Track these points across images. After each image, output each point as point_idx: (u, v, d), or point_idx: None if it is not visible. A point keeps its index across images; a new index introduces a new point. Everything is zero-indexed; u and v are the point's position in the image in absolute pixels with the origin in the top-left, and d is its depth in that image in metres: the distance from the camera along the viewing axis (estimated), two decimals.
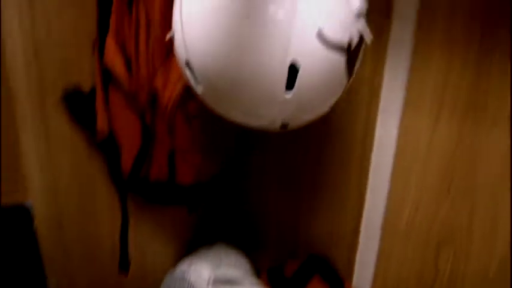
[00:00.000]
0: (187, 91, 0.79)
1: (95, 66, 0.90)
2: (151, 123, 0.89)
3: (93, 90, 0.91)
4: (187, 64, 0.62)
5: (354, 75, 0.64)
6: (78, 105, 0.94)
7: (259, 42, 0.54)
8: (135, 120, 0.90)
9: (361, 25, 0.59)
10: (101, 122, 0.92)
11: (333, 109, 0.68)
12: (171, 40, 0.65)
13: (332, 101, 0.67)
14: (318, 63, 0.57)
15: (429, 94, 0.83)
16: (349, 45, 0.58)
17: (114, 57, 0.86)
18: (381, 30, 0.82)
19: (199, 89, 0.64)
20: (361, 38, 0.60)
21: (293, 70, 0.56)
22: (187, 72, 0.63)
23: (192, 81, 0.64)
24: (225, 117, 0.67)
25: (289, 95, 0.59)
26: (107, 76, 0.88)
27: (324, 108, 0.68)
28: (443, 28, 0.78)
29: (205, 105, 0.67)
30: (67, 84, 0.91)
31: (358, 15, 0.58)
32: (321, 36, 0.55)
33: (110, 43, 0.86)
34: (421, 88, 0.83)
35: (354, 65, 0.62)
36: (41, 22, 0.86)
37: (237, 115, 0.66)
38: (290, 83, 0.58)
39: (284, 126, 0.66)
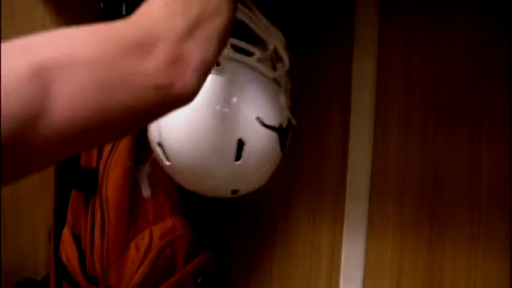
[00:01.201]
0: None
1: (50, 257, 0.92)
2: None
3: (46, 278, 0.88)
4: (160, 145, 0.79)
5: (286, 149, 0.80)
6: None
7: (215, 127, 0.74)
8: None
9: (288, 114, 0.80)
10: None
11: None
12: None
13: (271, 170, 0.81)
14: (258, 139, 0.76)
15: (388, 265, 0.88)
16: (281, 125, 0.78)
17: (69, 249, 0.92)
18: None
19: (167, 163, 0.78)
20: (289, 122, 0.80)
21: (240, 144, 0.75)
22: (159, 150, 0.78)
23: (162, 157, 0.78)
24: (187, 187, 0.80)
25: (238, 163, 0.75)
26: (60, 266, 0.90)
27: (265, 177, 0.82)
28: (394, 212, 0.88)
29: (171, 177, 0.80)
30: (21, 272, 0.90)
31: (285, 108, 0.80)
32: (259, 121, 0.75)
33: (66, 234, 0.93)
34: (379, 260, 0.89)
35: (285, 141, 0.79)
36: None
37: (198, 184, 0.79)
38: (238, 155, 0.75)
39: (235, 191, 0.80)
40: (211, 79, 0.73)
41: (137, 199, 0.91)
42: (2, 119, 0.33)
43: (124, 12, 0.94)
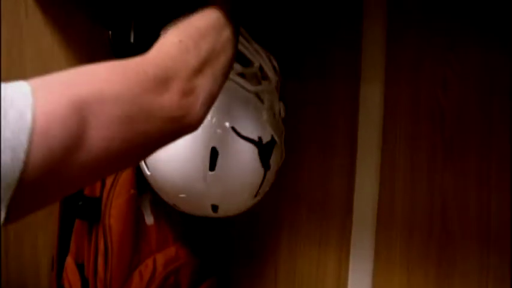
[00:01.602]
0: None
1: (52, 284, 0.90)
2: None
3: None
4: None
5: (270, 169, 0.79)
6: None
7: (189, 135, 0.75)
8: None
9: (271, 131, 0.79)
10: None
11: None
12: None
13: (252, 187, 0.80)
14: (233, 149, 0.76)
15: None
16: (260, 139, 0.77)
17: (72, 277, 0.91)
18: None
19: (148, 173, 0.81)
20: (272, 138, 0.79)
21: (214, 153, 0.75)
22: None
23: (144, 167, 0.81)
24: (168, 201, 0.84)
25: (212, 173, 0.75)
26: None
27: (247, 194, 0.80)
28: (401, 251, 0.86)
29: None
30: None
31: (268, 124, 0.79)
32: (234, 131, 0.75)
33: (69, 262, 0.91)
34: None
35: (268, 157, 0.78)
36: None
37: (178, 199, 0.81)
38: (212, 164, 0.75)
39: (215, 208, 0.80)
40: None
41: (140, 227, 0.90)
42: (46, 150, 0.36)
43: (132, 40, 0.95)
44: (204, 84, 0.52)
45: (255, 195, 0.82)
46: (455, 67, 0.81)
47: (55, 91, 0.39)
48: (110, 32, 0.93)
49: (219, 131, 0.75)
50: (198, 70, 0.52)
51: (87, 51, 0.90)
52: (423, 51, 0.83)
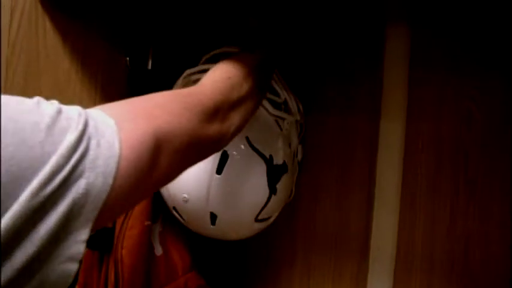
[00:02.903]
0: None
1: None
2: None
3: None
4: None
5: (276, 194, 0.78)
6: None
7: None
8: None
9: (285, 158, 0.79)
10: None
11: None
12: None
13: (254, 205, 0.78)
14: (243, 158, 0.75)
15: None
16: (271, 157, 0.77)
17: None
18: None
19: None
20: (284, 164, 0.79)
21: (224, 157, 0.75)
22: None
23: None
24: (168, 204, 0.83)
25: (218, 177, 0.75)
26: None
27: (246, 211, 0.78)
28: None
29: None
30: None
31: (282, 150, 0.79)
32: (248, 141, 0.75)
33: None
34: None
35: (275, 181, 0.77)
36: None
37: (179, 198, 0.79)
38: (220, 168, 0.75)
39: (213, 216, 0.78)
40: None
41: (150, 258, 0.88)
42: (129, 176, 0.41)
43: (149, 67, 0.94)
44: (236, 117, 0.60)
45: (256, 218, 0.80)
46: (480, 103, 0.80)
47: (139, 124, 0.44)
48: (128, 58, 0.93)
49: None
50: (235, 105, 0.60)
51: (104, 78, 0.89)
52: (446, 87, 0.83)
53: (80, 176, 0.37)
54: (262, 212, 0.79)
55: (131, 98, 0.49)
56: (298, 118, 0.84)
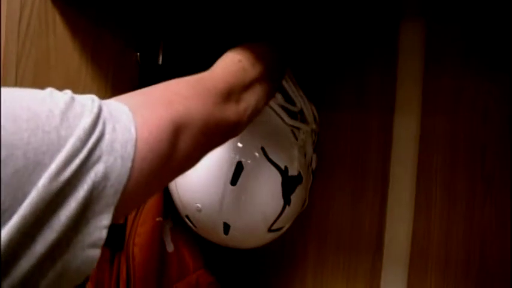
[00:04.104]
0: None
1: None
2: None
3: None
4: None
5: (290, 205, 0.77)
6: None
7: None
8: None
9: (299, 169, 0.78)
10: None
11: None
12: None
13: (267, 216, 0.77)
14: (258, 169, 0.75)
15: None
16: (286, 168, 0.75)
17: None
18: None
19: None
20: (299, 175, 0.77)
21: (239, 168, 0.74)
22: None
23: None
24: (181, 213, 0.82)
25: (233, 188, 0.74)
26: None
27: (260, 221, 0.77)
28: None
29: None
30: None
31: (297, 161, 0.78)
32: (263, 151, 0.75)
33: None
34: None
35: (290, 191, 0.76)
36: None
37: (192, 208, 0.78)
38: (235, 179, 0.74)
39: (226, 227, 0.77)
40: None
41: (162, 254, 0.88)
42: (148, 160, 0.41)
43: (160, 62, 0.93)
44: (250, 98, 0.60)
45: (269, 228, 0.79)
46: (497, 97, 0.78)
47: (156, 110, 0.44)
48: (138, 53, 0.92)
49: (248, 147, 0.75)
50: (249, 86, 0.60)
51: (114, 73, 0.88)
52: (462, 80, 0.81)
53: (98, 159, 0.37)
54: (276, 223, 0.79)
55: (145, 88, 0.49)
56: (314, 127, 0.83)
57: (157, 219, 0.84)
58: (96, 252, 0.38)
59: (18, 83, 0.71)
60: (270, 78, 0.67)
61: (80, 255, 0.36)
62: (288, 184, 0.77)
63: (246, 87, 0.60)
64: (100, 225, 0.37)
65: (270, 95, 0.68)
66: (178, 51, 0.96)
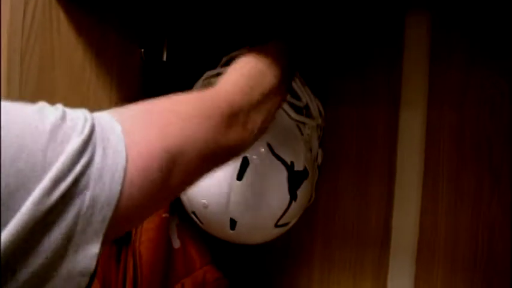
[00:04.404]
0: None
1: None
2: None
3: None
4: None
5: (297, 200, 0.76)
6: None
7: None
8: None
9: (305, 164, 0.78)
10: None
11: None
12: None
13: (274, 211, 0.77)
14: (264, 164, 0.74)
15: None
16: (292, 164, 0.75)
17: None
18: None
19: None
20: (305, 169, 0.77)
21: (245, 163, 0.74)
22: None
23: None
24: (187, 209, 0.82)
25: (239, 183, 0.74)
26: None
27: (266, 217, 0.77)
28: None
29: None
30: None
31: (303, 155, 0.78)
32: (269, 147, 0.74)
33: (96, 287, 0.89)
34: None
35: (296, 187, 0.76)
36: None
37: (198, 204, 0.78)
38: (241, 174, 0.74)
39: (233, 222, 0.77)
40: None
41: (168, 251, 0.88)
42: (142, 182, 0.39)
43: (164, 59, 0.93)
44: (257, 119, 0.57)
45: (276, 223, 0.79)
46: (503, 90, 0.77)
47: (151, 133, 0.42)
48: (143, 50, 0.92)
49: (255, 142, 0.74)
50: (256, 106, 0.57)
51: (118, 70, 0.88)
52: (468, 74, 0.80)
53: (85, 187, 0.35)
54: (283, 218, 0.79)
55: (144, 102, 0.46)
56: (320, 122, 0.83)
57: (164, 215, 0.84)
58: (84, 280, 0.36)
59: (24, 79, 0.71)
60: (283, 84, 0.64)
61: (69, 284, 0.35)
62: (294, 179, 0.77)
63: (256, 104, 0.57)
64: (89, 254, 0.36)
65: (280, 103, 0.66)
66: (182, 47, 0.96)
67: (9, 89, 0.69)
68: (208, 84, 0.81)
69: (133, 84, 0.92)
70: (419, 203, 0.83)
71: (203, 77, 0.82)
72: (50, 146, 0.34)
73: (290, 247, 0.98)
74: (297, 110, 0.80)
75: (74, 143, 0.35)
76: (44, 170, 0.33)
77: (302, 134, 0.79)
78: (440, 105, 0.82)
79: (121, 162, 0.37)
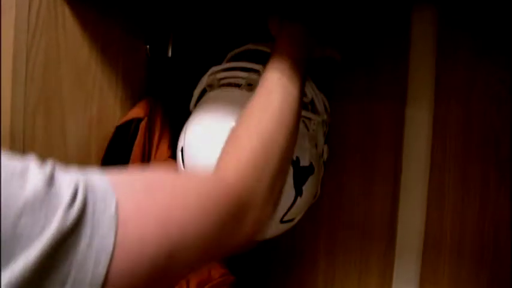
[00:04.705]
0: None
1: None
2: None
3: None
4: (181, 150, 0.79)
5: (302, 196, 0.76)
6: None
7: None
8: None
9: (311, 159, 0.77)
10: None
11: None
12: None
13: (281, 208, 0.75)
14: None
15: None
16: (297, 159, 0.75)
17: None
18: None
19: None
20: (311, 165, 0.77)
21: None
22: (179, 156, 0.79)
23: (180, 163, 0.79)
24: None
25: None
26: None
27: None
28: None
29: None
30: None
31: (308, 151, 0.77)
32: None
33: None
34: None
35: (302, 183, 0.76)
36: None
37: None
38: None
39: None
40: (240, 94, 0.75)
41: None
42: (128, 279, 0.35)
43: (169, 55, 0.93)
44: (271, 210, 0.51)
45: (281, 219, 0.78)
46: (510, 86, 0.77)
47: (147, 228, 0.37)
48: (148, 46, 0.92)
49: None
50: (271, 189, 0.50)
51: (124, 66, 0.88)
52: (475, 70, 0.80)
53: (66, 277, 0.31)
54: (288, 214, 0.78)
55: (149, 181, 0.42)
56: (325, 118, 0.82)
57: None
58: None
59: (29, 76, 0.71)
60: (292, 143, 0.59)
61: None
62: (300, 175, 0.76)
63: (268, 191, 0.50)
64: None
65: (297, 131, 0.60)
66: (188, 43, 0.96)
67: (15, 86, 0.69)
68: (214, 79, 0.80)
69: (138, 80, 0.92)
70: (425, 199, 0.83)
71: (208, 73, 0.82)
72: (22, 221, 0.28)
73: (295, 243, 0.98)
74: (302, 105, 0.80)
75: (56, 223, 0.30)
76: (10, 257, 0.28)
77: (308, 130, 0.79)
78: (447, 101, 0.82)
79: (107, 254, 0.33)
